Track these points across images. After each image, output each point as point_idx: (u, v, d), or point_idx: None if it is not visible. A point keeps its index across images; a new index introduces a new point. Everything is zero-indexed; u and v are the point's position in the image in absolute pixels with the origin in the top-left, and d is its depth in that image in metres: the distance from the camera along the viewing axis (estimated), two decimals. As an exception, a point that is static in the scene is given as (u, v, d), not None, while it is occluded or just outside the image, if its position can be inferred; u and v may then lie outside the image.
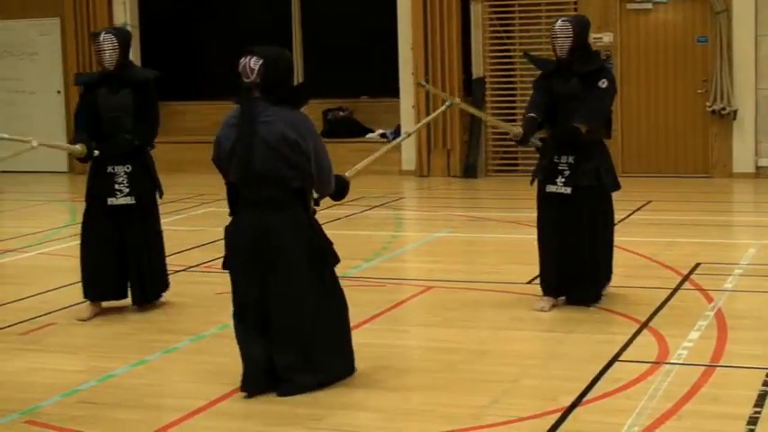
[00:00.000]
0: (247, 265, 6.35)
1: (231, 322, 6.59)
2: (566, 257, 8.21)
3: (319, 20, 18.03)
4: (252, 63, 6.35)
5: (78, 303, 8.59)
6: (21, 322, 8.30)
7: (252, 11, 18.71)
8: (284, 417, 6.01)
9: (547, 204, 8.26)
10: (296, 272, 6.31)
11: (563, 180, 8.12)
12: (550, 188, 8.19)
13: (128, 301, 8.62)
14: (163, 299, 8.72)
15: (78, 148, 8.20)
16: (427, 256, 10.99)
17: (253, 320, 6.38)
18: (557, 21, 8.15)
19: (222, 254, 6.60)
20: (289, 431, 5.80)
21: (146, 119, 8.41)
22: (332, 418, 5.98)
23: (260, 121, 6.26)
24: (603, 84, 8.10)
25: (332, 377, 6.47)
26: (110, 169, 8.34)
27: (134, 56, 18.14)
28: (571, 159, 8.11)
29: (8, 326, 8.21)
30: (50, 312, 8.45)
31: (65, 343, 7.77)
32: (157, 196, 8.62)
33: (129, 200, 8.34)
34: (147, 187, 8.48)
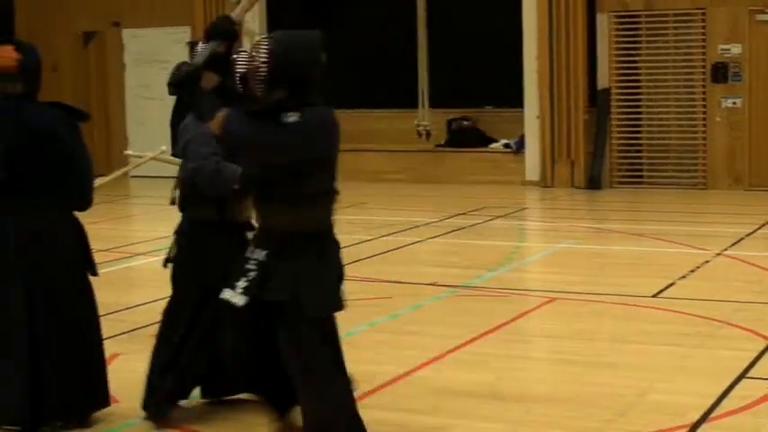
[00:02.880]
0: None
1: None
2: None
3: (445, 30, 18.08)
4: None
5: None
6: (152, 324, 8.46)
7: (378, 20, 18.84)
8: (405, 426, 6.07)
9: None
10: None
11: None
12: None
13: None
14: None
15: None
16: (551, 267, 10.96)
17: None
18: None
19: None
20: (413, 439, 5.87)
21: None
22: (455, 428, 6.02)
23: None
24: None
25: None
26: None
27: (261, 64, 18.51)
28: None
29: (140, 327, 8.39)
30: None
31: (194, 346, 7.92)
32: None
33: None
34: None
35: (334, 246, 5.36)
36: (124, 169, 7.72)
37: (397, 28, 18.41)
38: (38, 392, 5.87)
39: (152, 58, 19.28)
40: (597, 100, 17.21)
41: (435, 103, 17.89)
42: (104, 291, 9.58)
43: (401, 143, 18.30)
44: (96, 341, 6.19)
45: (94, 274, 6.19)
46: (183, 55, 18.55)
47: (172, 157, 8.30)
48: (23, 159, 5.75)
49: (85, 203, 6.02)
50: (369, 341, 7.92)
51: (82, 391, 6.04)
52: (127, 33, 19.61)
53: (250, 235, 5.73)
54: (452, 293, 9.44)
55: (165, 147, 8.00)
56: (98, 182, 6.74)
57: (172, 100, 8.73)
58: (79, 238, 6.07)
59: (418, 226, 13.19)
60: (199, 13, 18.71)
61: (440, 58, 17.94)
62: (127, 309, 9.09)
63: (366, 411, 6.30)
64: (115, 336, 8.13)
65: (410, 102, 17.86)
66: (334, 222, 5.35)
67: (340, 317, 8.66)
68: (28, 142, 5.76)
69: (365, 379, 6.81)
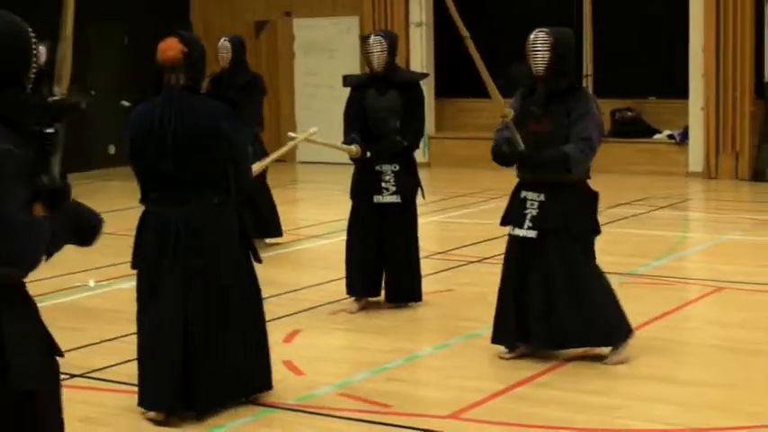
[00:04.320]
0: None
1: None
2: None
3: (609, 20, 18.10)
4: None
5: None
6: (329, 303, 8.82)
7: (541, 12, 18.91)
8: (581, 405, 6.28)
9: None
10: None
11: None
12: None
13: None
14: (414, 305, 8.71)
15: (353, 148, 8.43)
16: (717, 257, 10.95)
17: None
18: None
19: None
20: (589, 418, 6.07)
21: (413, 120, 8.56)
22: (630, 408, 6.20)
23: None
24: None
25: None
26: (377, 168, 8.52)
27: (427, 54, 18.79)
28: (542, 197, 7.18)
29: (318, 306, 8.74)
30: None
31: (371, 324, 8.25)
32: (420, 196, 8.75)
33: (395, 198, 8.49)
34: (411, 187, 8.62)
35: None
36: (280, 151, 7.80)
37: (561, 17, 18.46)
38: (190, 380, 5.94)
39: (322, 47, 19.71)
40: (764, 92, 17.03)
41: (599, 93, 17.84)
42: (277, 270, 10.05)
43: (563, 133, 18.33)
44: (257, 325, 6.24)
45: (258, 260, 6.26)
46: (350, 44, 19.03)
47: (323, 139, 8.69)
48: (185, 150, 5.83)
49: (242, 193, 6.09)
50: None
51: (238, 377, 6.13)
52: (297, 23, 20.08)
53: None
54: (618, 281, 9.56)
55: (315, 128, 8.32)
56: (256, 166, 7.04)
57: (341, 90, 9.06)
58: (240, 226, 6.12)
59: (582, 215, 13.27)
60: (367, 3, 19.05)
61: (604, 49, 17.96)
62: (304, 288, 9.44)
63: (543, 391, 6.56)
64: (296, 313, 8.52)
65: (573, 92, 17.86)
66: None
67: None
68: (190, 133, 5.83)
69: (542, 359, 7.06)
